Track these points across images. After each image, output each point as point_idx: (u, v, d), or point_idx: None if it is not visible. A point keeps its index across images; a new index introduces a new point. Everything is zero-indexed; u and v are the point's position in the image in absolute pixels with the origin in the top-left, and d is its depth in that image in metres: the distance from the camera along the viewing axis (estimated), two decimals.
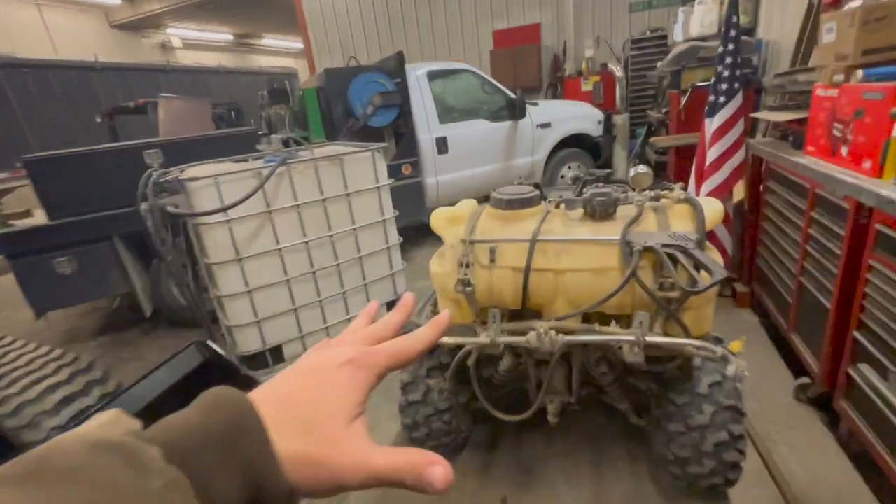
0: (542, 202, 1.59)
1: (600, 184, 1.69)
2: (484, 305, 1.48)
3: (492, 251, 1.39)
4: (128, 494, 0.22)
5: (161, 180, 2.39)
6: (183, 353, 0.94)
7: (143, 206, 2.24)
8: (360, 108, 4.04)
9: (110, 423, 0.27)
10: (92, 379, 2.36)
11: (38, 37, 10.71)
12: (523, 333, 1.30)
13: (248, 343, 2.69)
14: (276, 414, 0.31)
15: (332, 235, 2.79)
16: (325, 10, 8.93)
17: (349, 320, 3.09)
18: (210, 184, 2.35)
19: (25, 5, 10.46)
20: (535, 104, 5.42)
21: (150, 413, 0.57)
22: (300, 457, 0.31)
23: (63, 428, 2.22)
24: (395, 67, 4.24)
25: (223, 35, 16.81)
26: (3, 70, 6.34)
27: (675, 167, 4.13)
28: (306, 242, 2.70)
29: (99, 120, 6.36)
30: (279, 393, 0.34)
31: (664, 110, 4.84)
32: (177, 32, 14.55)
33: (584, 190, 1.57)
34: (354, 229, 2.87)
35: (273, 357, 2.78)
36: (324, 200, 2.72)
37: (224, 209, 2.28)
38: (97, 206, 3.27)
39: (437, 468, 0.31)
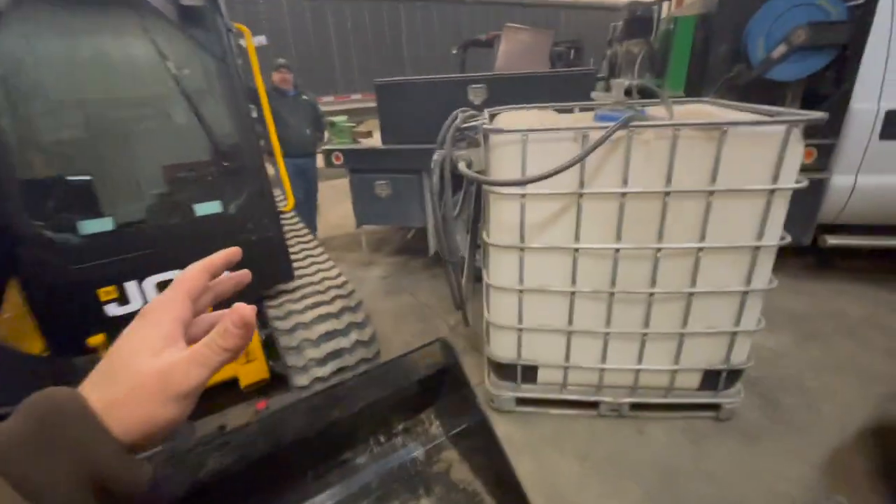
0: None
1: None
2: None
3: None
4: None
5: (465, 126, 1.89)
6: (428, 347, 1.00)
7: (436, 155, 1.80)
8: (761, 49, 2.57)
9: None
10: (354, 321, 2.29)
11: None
12: None
13: (501, 348, 2.12)
14: (94, 391, 0.33)
15: (659, 249, 1.77)
16: None
17: (637, 372, 2.12)
18: (516, 141, 1.69)
19: None
20: None
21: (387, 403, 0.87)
22: (111, 406, 0.32)
23: (318, 361, 2.27)
24: None
25: None
26: (397, 4, 7.48)
27: None
28: (617, 250, 1.79)
29: (455, 52, 6.83)
30: (96, 374, 0.35)
31: None
32: None
33: None
34: (700, 249, 1.76)
35: (524, 375, 2.14)
36: (666, 194, 1.69)
37: (520, 182, 1.60)
38: (417, 138, 3.25)
39: (239, 309, 0.35)
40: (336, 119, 3.71)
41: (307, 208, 4.22)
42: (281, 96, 3.78)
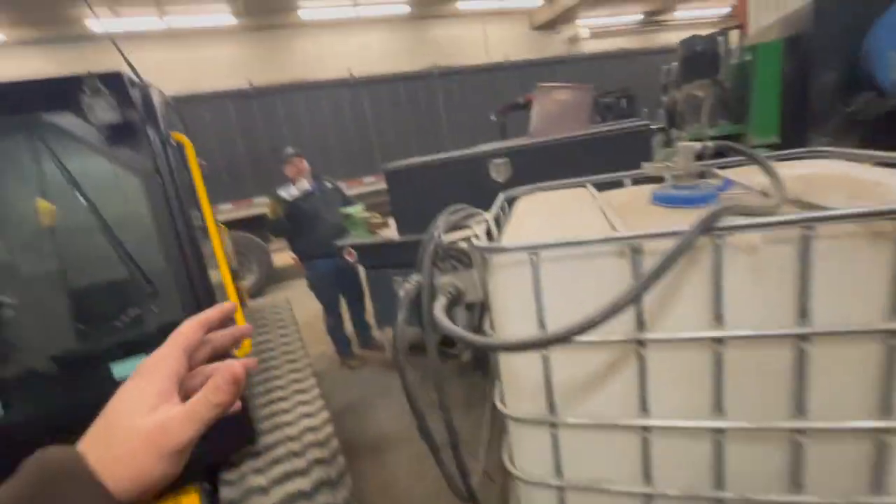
0: None
1: None
2: None
3: None
4: None
5: (451, 238, 1.32)
6: None
7: (406, 285, 1.23)
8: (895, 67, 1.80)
9: None
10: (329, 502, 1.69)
11: (473, 45, 13.06)
12: None
13: None
14: (92, 450, 0.36)
15: (803, 432, 1.00)
16: None
17: None
18: (523, 261, 1.07)
19: (470, 21, 12.98)
20: None
21: None
22: (109, 465, 0.34)
23: None
24: None
25: (631, 17, 15.80)
26: (433, 79, 7.50)
27: None
28: (720, 430, 1.04)
29: (494, 119, 6.52)
30: (93, 431, 0.38)
31: None
32: (585, 22, 14.56)
33: None
34: (883, 429, 0.95)
35: None
36: (801, 338, 0.95)
37: (531, 347, 0.96)
38: None
39: (229, 366, 0.39)
40: (351, 210, 3.34)
41: (357, 317, 3.83)
42: (307, 195, 3.52)
